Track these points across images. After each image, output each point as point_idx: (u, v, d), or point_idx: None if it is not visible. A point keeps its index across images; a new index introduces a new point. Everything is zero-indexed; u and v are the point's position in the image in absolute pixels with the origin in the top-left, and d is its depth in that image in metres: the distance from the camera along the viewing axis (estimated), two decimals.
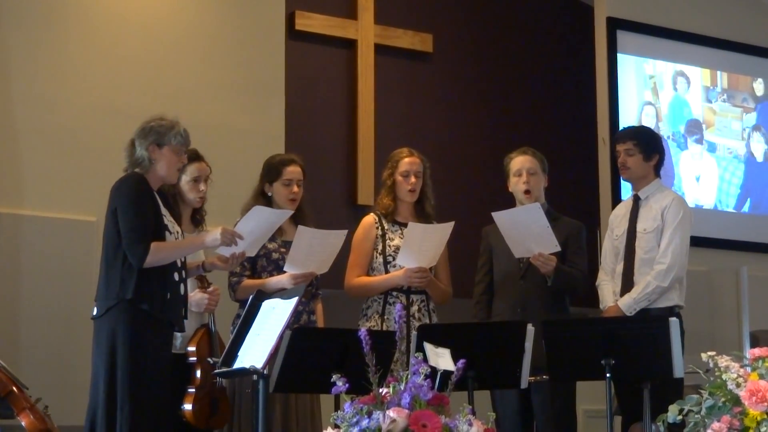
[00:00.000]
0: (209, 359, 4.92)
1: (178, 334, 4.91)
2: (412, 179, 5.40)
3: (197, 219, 5.18)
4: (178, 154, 4.62)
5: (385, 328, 5.19)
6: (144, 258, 4.40)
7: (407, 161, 5.42)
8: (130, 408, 4.33)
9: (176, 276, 4.57)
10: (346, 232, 5.25)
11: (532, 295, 5.31)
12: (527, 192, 5.42)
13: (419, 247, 5.19)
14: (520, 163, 5.47)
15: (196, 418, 4.89)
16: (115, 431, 4.34)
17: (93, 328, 4.52)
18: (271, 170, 5.31)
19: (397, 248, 5.29)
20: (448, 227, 5.27)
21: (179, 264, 4.60)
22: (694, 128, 7.94)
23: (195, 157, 5.05)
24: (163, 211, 4.62)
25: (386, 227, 5.40)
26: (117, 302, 4.41)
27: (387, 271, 5.33)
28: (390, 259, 5.33)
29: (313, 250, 5.07)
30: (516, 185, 5.47)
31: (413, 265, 5.21)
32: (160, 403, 4.47)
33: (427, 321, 5.27)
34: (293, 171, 5.29)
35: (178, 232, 4.68)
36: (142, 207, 4.48)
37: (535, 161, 5.47)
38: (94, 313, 4.50)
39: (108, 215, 4.54)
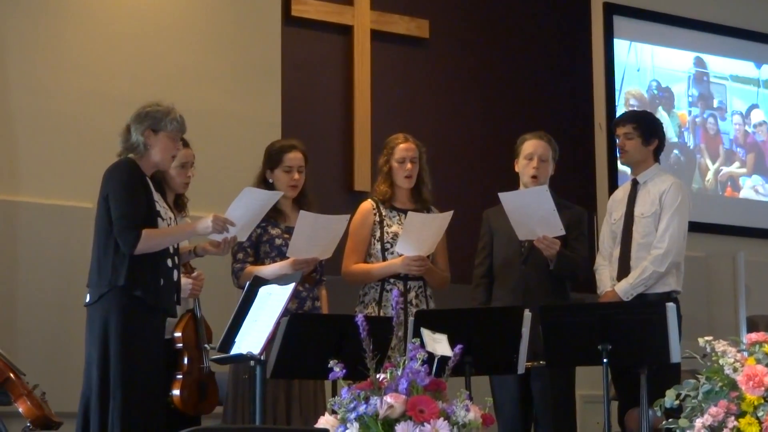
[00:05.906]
0: (205, 345, 4.92)
1: None
2: (408, 165, 5.38)
3: (179, 204, 5.14)
4: (173, 141, 4.59)
5: (382, 314, 5.17)
6: (135, 245, 4.39)
7: (403, 147, 5.40)
8: (122, 395, 4.33)
9: (169, 262, 4.56)
10: (348, 217, 5.22)
11: (533, 279, 5.29)
12: (534, 177, 5.37)
13: (418, 235, 5.17)
14: (533, 146, 5.41)
15: (185, 404, 4.88)
16: (108, 418, 4.34)
17: (86, 314, 4.51)
18: (272, 157, 5.28)
19: (395, 235, 5.27)
20: (447, 216, 5.24)
21: (172, 250, 4.59)
22: None
23: (183, 143, 4.99)
24: (156, 197, 4.59)
25: (384, 213, 5.38)
26: (109, 289, 4.40)
27: (384, 258, 5.31)
28: (388, 245, 5.32)
29: (315, 235, 5.03)
30: (524, 168, 5.41)
31: (412, 253, 5.18)
32: (153, 389, 4.47)
33: (425, 307, 5.25)
34: (294, 157, 5.26)
35: (171, 218, 4.66)
36: (133, 193, 4.46)
37: (549, 148, 5.42)
38: (87, 299, 4.50)
39: (100, 201, 4.53)
